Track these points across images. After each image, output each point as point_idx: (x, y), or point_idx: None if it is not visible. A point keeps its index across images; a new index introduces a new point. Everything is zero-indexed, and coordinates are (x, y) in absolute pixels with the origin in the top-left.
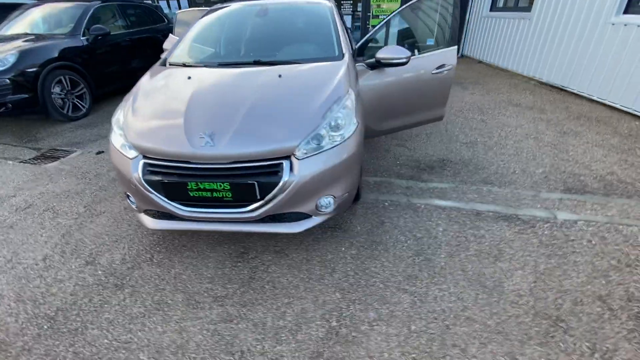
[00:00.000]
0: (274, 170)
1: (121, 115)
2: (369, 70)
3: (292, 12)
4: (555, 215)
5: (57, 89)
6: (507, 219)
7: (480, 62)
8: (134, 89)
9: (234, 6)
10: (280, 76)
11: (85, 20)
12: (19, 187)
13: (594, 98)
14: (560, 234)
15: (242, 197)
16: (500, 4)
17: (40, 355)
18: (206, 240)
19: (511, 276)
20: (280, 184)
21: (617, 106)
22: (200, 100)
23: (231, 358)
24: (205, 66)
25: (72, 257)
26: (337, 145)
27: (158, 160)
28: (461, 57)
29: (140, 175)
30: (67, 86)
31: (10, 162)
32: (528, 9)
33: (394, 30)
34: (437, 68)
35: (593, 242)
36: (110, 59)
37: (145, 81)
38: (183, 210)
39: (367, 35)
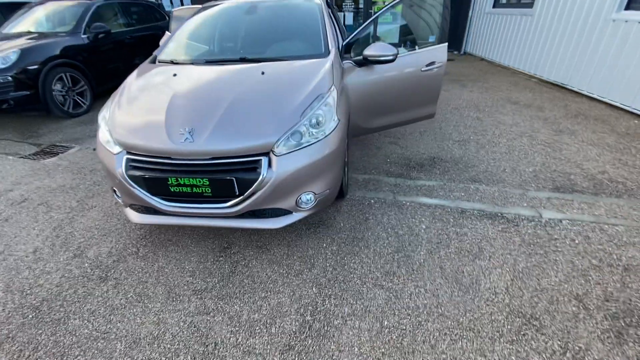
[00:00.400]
0: (253, 167)
1: (107, 111)
2: (356, 68)
3: (281, 9)
4: (541, 214)
5: (58, 86)
6: (492, 217)
7: (482, 59)
8: (121, 86)
9: (224, 4)
10: (263, 73)
11: (87, 19)
12: (17, 181)
13: (594, 96)
14: (544, 233)
15: (221, 192)
16: (504, 0)
17: (23, 343)
18: (191, 235)
19: (489, 274)
20: (259, 180)
21: (617, 104)
22: (182, 97)
23: (204, 349)
24: (192, 63)
25: (61, 250)
26: (317, 142)
27: (140, 155)
28: (464, 54)
29: (124, 170)
30: (68, 83)
31: (11, 157)
32: (530, 5)
33: (385, 28)
34: (427, 65)
35: (576, 241)
36: (111, 56)
37: (132, 78)
38: (165, 205)
39: (354, 33)
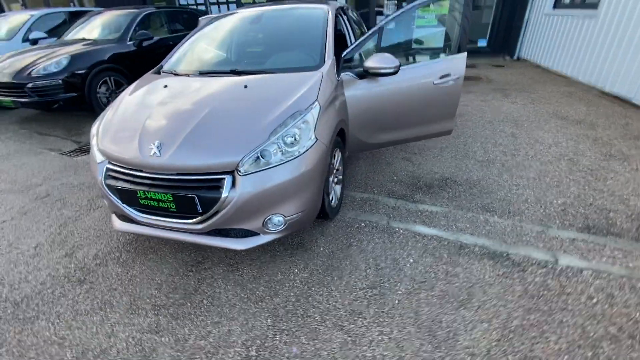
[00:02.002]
0: (215, 185)
1: (99, 120)
2: (357, 80)
3: (285, 19)
4: (557, 259)
5: (102, 89)
6: (495, 257)
7: (537, 66)
8: (119, 96)
9: (233, 15)
10: (246, 87)
11: (133, 27)
12: (48, 176)
13: None
14: (555, 284)
15: (184, 209)
16: (567, 0)
17: None
18: (172, 246)
19: (472, 329)
20: (220, 199)
21: None
22: (162, 109)
23: None
24: (187, 75)
25: (57, 248)
26: (288, 162)
27: (117, 166)
28: (517, 59)
29: (102, 179)
30: (112, 86)
31: (53, 153)
32: (595, 5)
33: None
34: (441, 78)
35: (594, 300)
36: (155, 61)
37: (129, 89)
38: (138, 215)
39: (356, 43)
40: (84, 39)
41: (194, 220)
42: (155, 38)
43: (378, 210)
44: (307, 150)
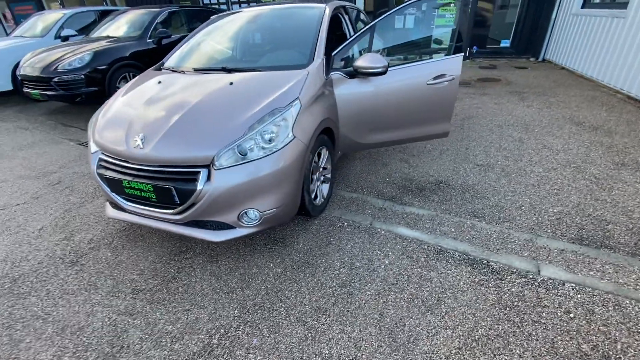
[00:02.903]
0: (191, 178)
1: (98, 112)
2: (347, 79)
3: (282, 18)
4: (540, 269)
5: (122, 84)
6: (473, 263)
7: (562, 68)
8: (118, 90)
9: (234, 14)
10: (231, 84)
11: (153, 25)
12: (63, 165)
13: None
14: (532, 295)
15: (163, 200)
16: None
17: None
18: (160, 235)
19: (434, 335)
20: (196, 192)
21: None
22: (150, 104)
23: (110, 350)
24: (183, 72)
25: (59, 231)
26: (263, 158)
27: (107, 156)
28: (542, 61)
29: (95, 168)
30: None
31: (72, 143)
32: (624, 5)
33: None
34: (435, 78)
35: (571, 315)
36: None
37: (128, 84)
38: (125, 204)
39: (346, 42)
40: (107, 37)
41: (173, 210)
42: (175, 36)
43: (364, 210)
44: (283, 147)
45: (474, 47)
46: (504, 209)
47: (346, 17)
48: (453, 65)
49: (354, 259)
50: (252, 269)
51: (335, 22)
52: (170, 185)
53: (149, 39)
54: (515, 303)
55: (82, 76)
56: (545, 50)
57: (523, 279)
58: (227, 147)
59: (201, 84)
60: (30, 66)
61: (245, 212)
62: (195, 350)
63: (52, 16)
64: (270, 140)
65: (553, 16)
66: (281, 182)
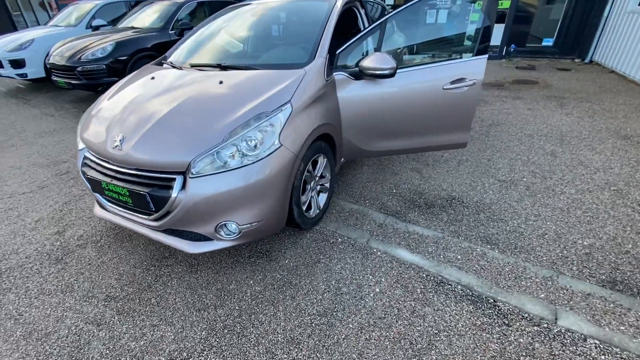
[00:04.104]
0: (166, 185)
1: (90, 107)
2: (352, 80)
3: (289, 12)
4: (557, 317)
5: None
6: (478, 301)
7: (612, 71)
8: (114, 85)
9: (243, 7)
10: (221, 82)
11: (176, 17)
12: (75, 155)
13: None
14: (544, 350)
15: (139, 205)
16: None
17: None
18: (147, 237)
19: None
20: (170, 200)
21: None
22: (136, 102)
23: None
24: (180, 68)
25: (53, 225)
26: (244, 167)
27: (91, 154)
28: (589, 63)
29: (80, 166)
30: None
31: None
32: None
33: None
34: (452, 83)
35: None
36: None
37: (123, 79)
38: (107, 204)
39: (352, 41)
40: (132, 27)
41: (150, 217)
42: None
43: (363, 225)
44: (268, 155)
45: (512, 45)
46: (523, 236)
47: (362, 12)
48: (475, 68)
49: (342, 282)
50: (230, 284)
51: (349, 18)
52: (145, 191)
53: (171, 30)
54: (521, 358)
55: (104, 66)
56: (594, 51)
57: (535, 328)
58: (204, 154)
59: (191, 82)
60: (58, 55)
61: (225, 224)
62: None
63: (86, 6)
64: (254, 148)
65: (605, 13)
66: (264, 194)
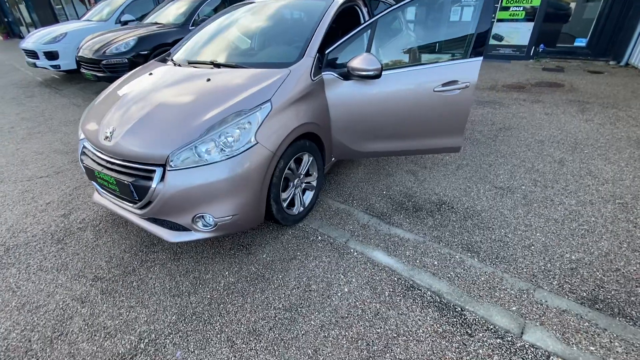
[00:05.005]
0: (147, 176)
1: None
2: (341, 80)
3: (287, 9)
4: (523, 330)
5: None
6: (444, 309)
7: None
8: (117, 79)
9: (243, 6)
10: (208, 80)
11: (196, 13)
12: None
13: None
14: None
15: (124, 194)
16: None
17: None
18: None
19: None
20: (150, 190)
21: None
22: (130, 96)
23: (51, 335)
24: (179, 64)
25: (61, 207)
26: (220, 162)
27: (88, 144)
28: (625, 66)
29: (79, 154)
30: None
31: None
32: None
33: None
34: (444, 85)
35: None
36: None
37: (127, 74)
38: (101, 191)
39: (342, 40)
40: (156, 23)
41: (135, 205)
42: None
43: (345, 225)
44: (243, 152)
45: (541, 45)
46: (507, 245)
47: (365, 10)
48: (468, 70)
49: (313, 280)
50: (207, 274)
51: (350, 16)
52: (128, 180)
53: (191, 26)
54: None
55: (126, 60)
56: (631, 53)
57: (498, 340)
58: (182, 147)
59: (183, 80)
60: (86, 48)
61: (202, 216)
62: (121, 352)
63: (117, 2)
64: (230, 144)
65: None
66: (239, 189)
